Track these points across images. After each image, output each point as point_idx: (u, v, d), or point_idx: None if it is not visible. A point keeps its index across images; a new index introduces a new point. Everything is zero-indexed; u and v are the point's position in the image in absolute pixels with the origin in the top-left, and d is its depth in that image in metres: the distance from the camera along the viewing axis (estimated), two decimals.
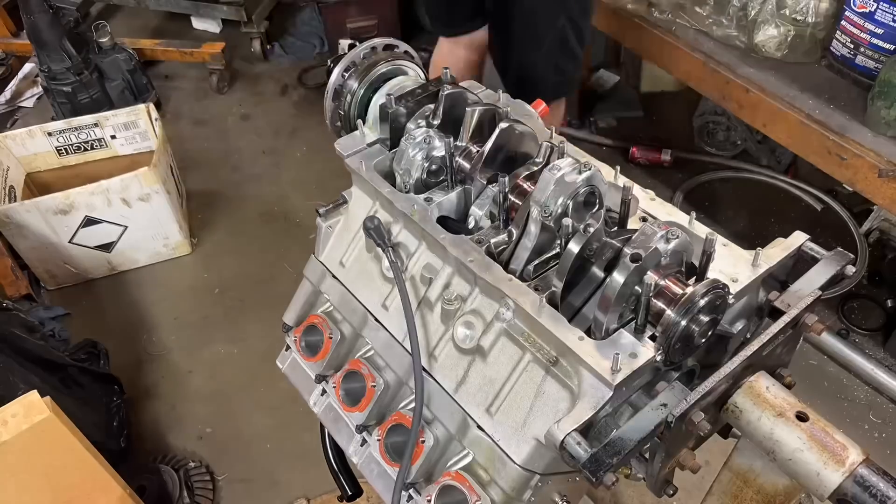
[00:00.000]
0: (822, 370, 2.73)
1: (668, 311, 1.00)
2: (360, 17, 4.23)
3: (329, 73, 1.44)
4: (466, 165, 1.30)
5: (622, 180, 1.23)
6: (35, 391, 1.80)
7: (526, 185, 1.22)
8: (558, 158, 1.19)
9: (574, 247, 1.05)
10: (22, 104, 4.38)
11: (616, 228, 1.18)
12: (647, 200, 1.24)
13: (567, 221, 1.07)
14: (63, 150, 3.39)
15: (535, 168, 1.24)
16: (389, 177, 1.35)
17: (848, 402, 2.65)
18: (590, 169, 1.14)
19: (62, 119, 3.41)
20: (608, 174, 1.26)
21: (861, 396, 2.66)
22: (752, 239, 1.16)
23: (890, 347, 2.74)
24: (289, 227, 3.48)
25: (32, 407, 1.76)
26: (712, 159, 3.53)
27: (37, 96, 4.37)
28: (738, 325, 1.17)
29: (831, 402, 2.64)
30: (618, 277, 1.00)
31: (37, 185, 3.40)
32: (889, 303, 2.83)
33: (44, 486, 1.89)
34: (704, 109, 3.53)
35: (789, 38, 2.49)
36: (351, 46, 1.50)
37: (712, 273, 1.08)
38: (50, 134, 3.33)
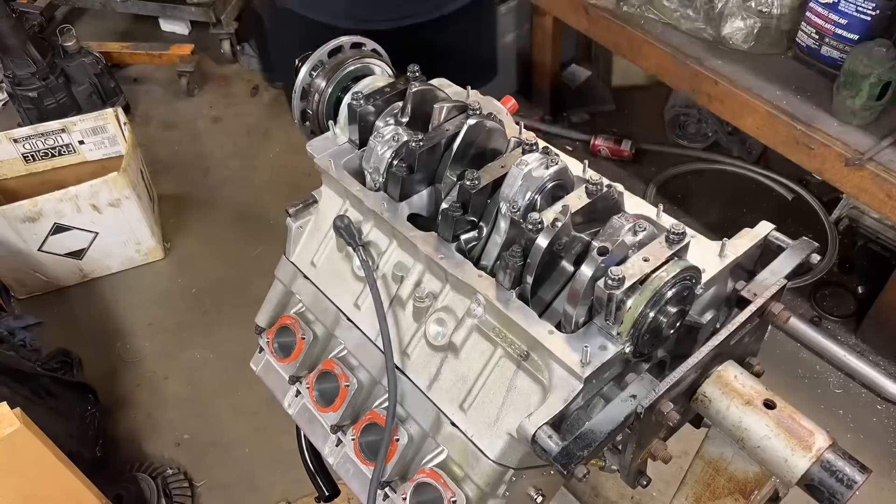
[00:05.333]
0: (795, 357, 2.76)
1: None
2: None
3: (296, 72, 1.43)
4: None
5: (590, 174, 1.24)
6: (5, 403, 1.77)
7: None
8: (527, 154, 1.19)
9: (542, 241, 1.05)
10: None
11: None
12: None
13: (535, 216, 1.07)
14: (30, 157, 3.33)
15: (504, 164, 1.24)
16: (360, 176, 1.34)
17: (821, 388, 2.68)
18: (556, 163, 1.14)
19: (28, 125, 3.35)
20: (576, 168, 1.26)
21: (834, 382, 2.69)
22: (724, 229, 1.17)
23: (861, 333, 2.78)
24: (262, 229, 3.44)
25: (2, 419, 1.73)
26: (684, 151, 3.56)
27: (2, 102, 4.30)
28: (707, 316, 1.18)
29: (805, 389, 2.67)
30: (585, 271, 1.00)
31: (3, 192, 3.34)
32: (860, 289, 2.88)
33: (16, 499, 1.86)
34: (675, 102, 3.56)
35: (756, 30, 2.52)
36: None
37: None
38: (16, 140, 3.27)
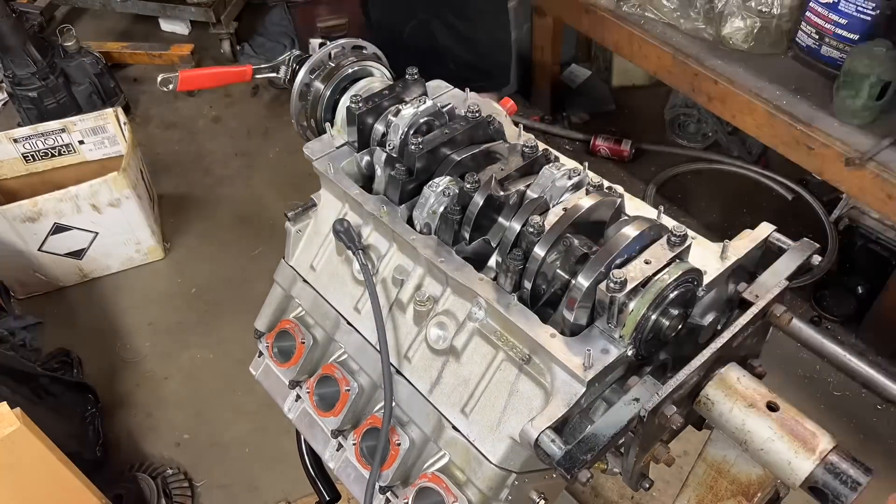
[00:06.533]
0: (795, 358, 2.76)
1: None
2: (330, 16, 4.19)
3: (294, 74, 1.43)
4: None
5: (590, 177, 1.23)
6: (5, 402, 1.77)
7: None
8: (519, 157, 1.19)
9: (543, 246, 1.05)
10: None
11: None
12: None
13: (535, 219, 1.06)
14: (30, 157, 3.33)
15: (504, 168, 1.24)
16: (358, 179, 1.34)
17: (821, 389, 2.68)
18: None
19: (28, 125, 3.34)
20: None
21: (834, 383, 2.70)
22: (724, 230, 1.18)
23: (862, 334, 2.78)
24: (262, 229, 3.45)
25: (2, 419, 1.73)
26: (684, 151, 3.56)
27: (2, 102, 4.29)
28: (709, 318, 1.18)
29: (805, 390, 2.67)
30: (587, 274, 1.00)
31: (3, 192, 3.33)
32: (860, 290, 2.87)
33: (16, 499, 1.86)
34: (675, 102, 3.56)
35: (756, 30, 2.51)
36: (322, 45, 1.49)
37: None
38: (16, 140, 3.26)
